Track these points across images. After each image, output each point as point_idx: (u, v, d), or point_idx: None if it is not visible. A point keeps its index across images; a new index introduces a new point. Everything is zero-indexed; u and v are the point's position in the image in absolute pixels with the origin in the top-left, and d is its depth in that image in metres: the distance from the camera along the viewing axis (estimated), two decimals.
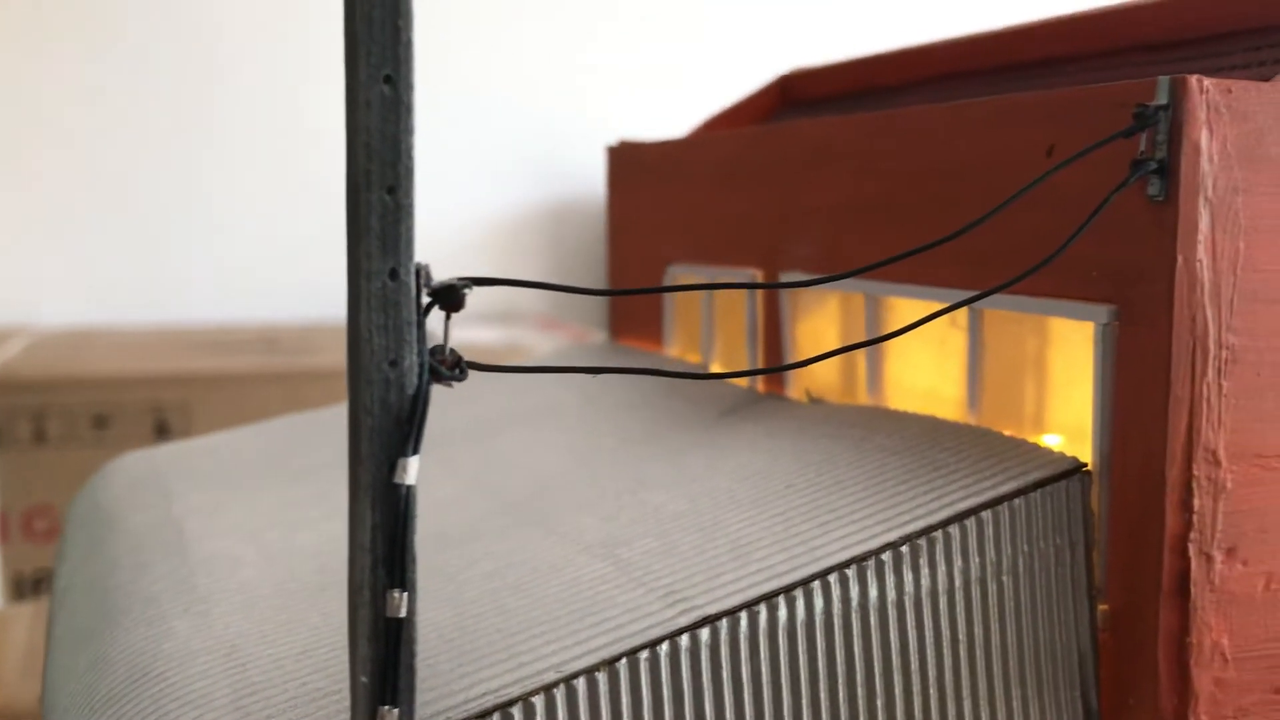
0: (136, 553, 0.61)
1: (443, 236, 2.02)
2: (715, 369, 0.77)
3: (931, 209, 0.58)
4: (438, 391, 0.68)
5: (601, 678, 0.41)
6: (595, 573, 0.47)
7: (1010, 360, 0.57)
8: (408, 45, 0.34)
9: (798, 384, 0.69)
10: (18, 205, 1.91)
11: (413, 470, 0.35)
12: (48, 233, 1.94)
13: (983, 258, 0.54)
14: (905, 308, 0.61)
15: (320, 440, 0.76)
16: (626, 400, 0.73)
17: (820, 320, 0.69)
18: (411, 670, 0.37)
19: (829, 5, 2.10)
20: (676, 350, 0.82)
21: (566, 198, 2.07)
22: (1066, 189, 0.49)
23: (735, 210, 0.73)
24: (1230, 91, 0.45)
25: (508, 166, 2.05)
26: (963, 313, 0.57)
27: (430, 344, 0.36)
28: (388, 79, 0.34)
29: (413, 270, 0.35)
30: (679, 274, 0.80)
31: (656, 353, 0.83)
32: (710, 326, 0.77)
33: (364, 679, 0.36)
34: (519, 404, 0.74)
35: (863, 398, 0.65)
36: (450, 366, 0.36)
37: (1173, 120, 0.45)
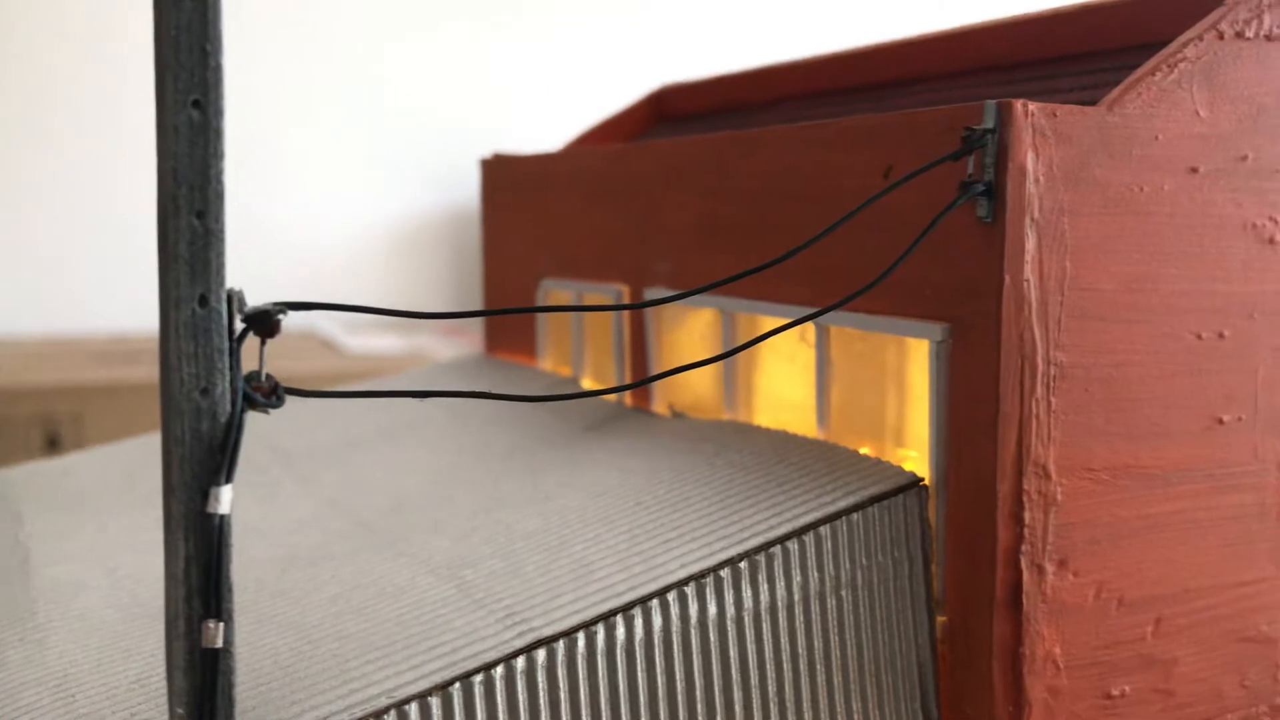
0: None
1: (345, 242, 2.01)
2: (586, 383, 0.77)
3: (781, 227, 0.58)
4: (303, 409, 0.66)
5: (435, 702, 0.41)
6: (438, 595, 0.47)
7: (872, 374, 0.58)
8: (217, 69, 0.34)
9: (663, 398, 0.70)
10: None
11: (226, 499, 0.35)
12: None
13: (829, 276, 0.55)
14: (768, 324, 0.62)
15: None
16: (494, 415, 0.72)
17: (685, 335, 0.69)
18: (230, 701, 0.36)
19: (711, 19, 2.12)
20: (549, 364, 0.82)
21: (471, 202, 2.07)
22: (906, 210, 0.50)
23: (602, 226, 0.74)
24: (1056, 115, 0.47)
25: (410, 173, 2.05)
26: (811, 329, 0.58)
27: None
28: (196, 104, 0.34)
29: (224, 296, 0.35)
30: (550, 289, 0.80)
31: (529, 366, 0.83)
32: (580, 341, 0.78)
33: (180, 711, 0.36)
34: (386, 420, 0.74)
35: (725, 412, 0.65)
36: (266, 393, 0.36)
37: (999, 143, 0.46)
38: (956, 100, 0.64)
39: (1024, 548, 0.47)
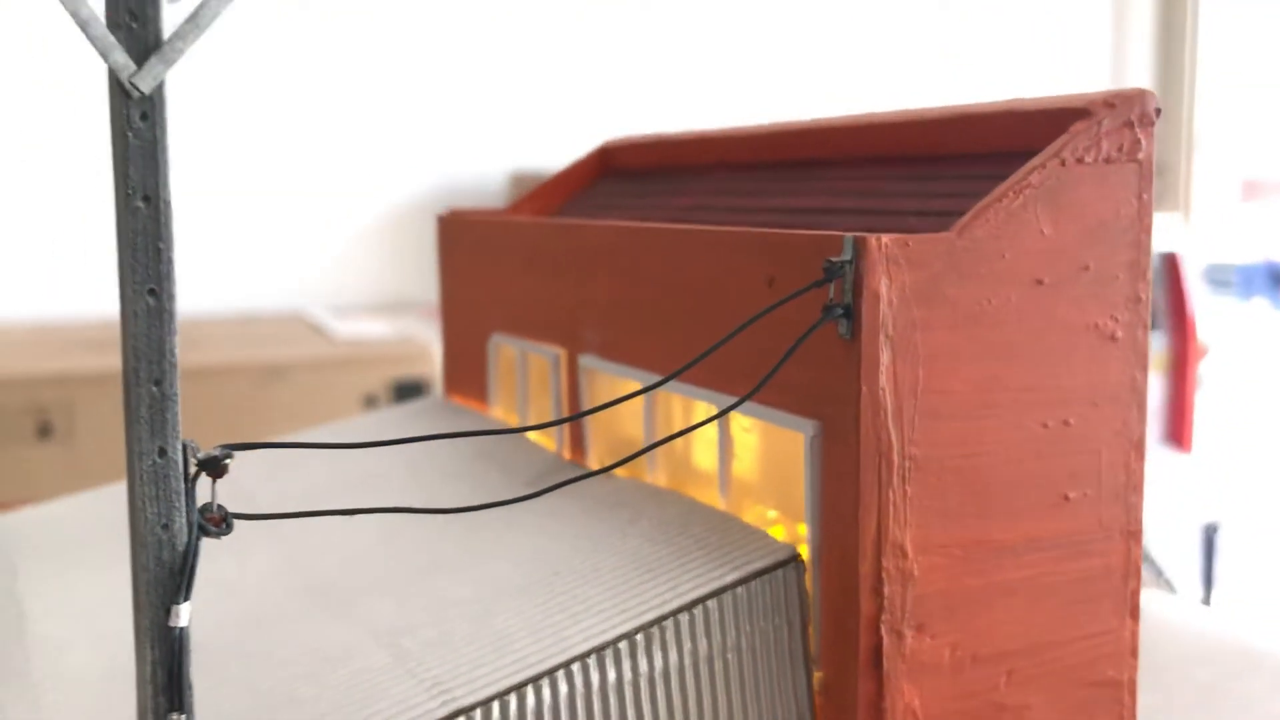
0: None
1: (337, 229, 2.10)
2: (530, 434, 0.84)
3: (685, 315, 0.65)
4: (271, 455, 0.73)
5: None
6: (377, 662, 0.55)
7: (785, 449, 0.64)
8: (169, 263, 0.41)
9: (596, 454, 0.77)
10: None
11: (185, 614, 0.42)
12: None
13: (727, 365, 0.62)
14: (681, 401, 0.69)
15: None
16: (446, 468, 0.80)
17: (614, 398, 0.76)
18: None
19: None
20: (499, 410, 0.89)
21: (461, 184, 2.16)
22: (789, 317, 0.57)
23: (541, 292, 0.81)
24: (908, 245, 0.54)
25: (400, 161, 2.14)
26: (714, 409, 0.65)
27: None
28: (152, 292, 0.41)
29: (179, 447, 0.42)
30: (499, 343, 0.87)
31: (479, 412, 0.90)
32: (525, 393, 0.85)
33: None
34: (347, 472, 0.81)
35: (647, 474, 0.72)
36: (217, 523, 0.43)
37: (856, 273, 0.53)
38: (858, 190, 0.71)
39: (884, 617, 0.55)
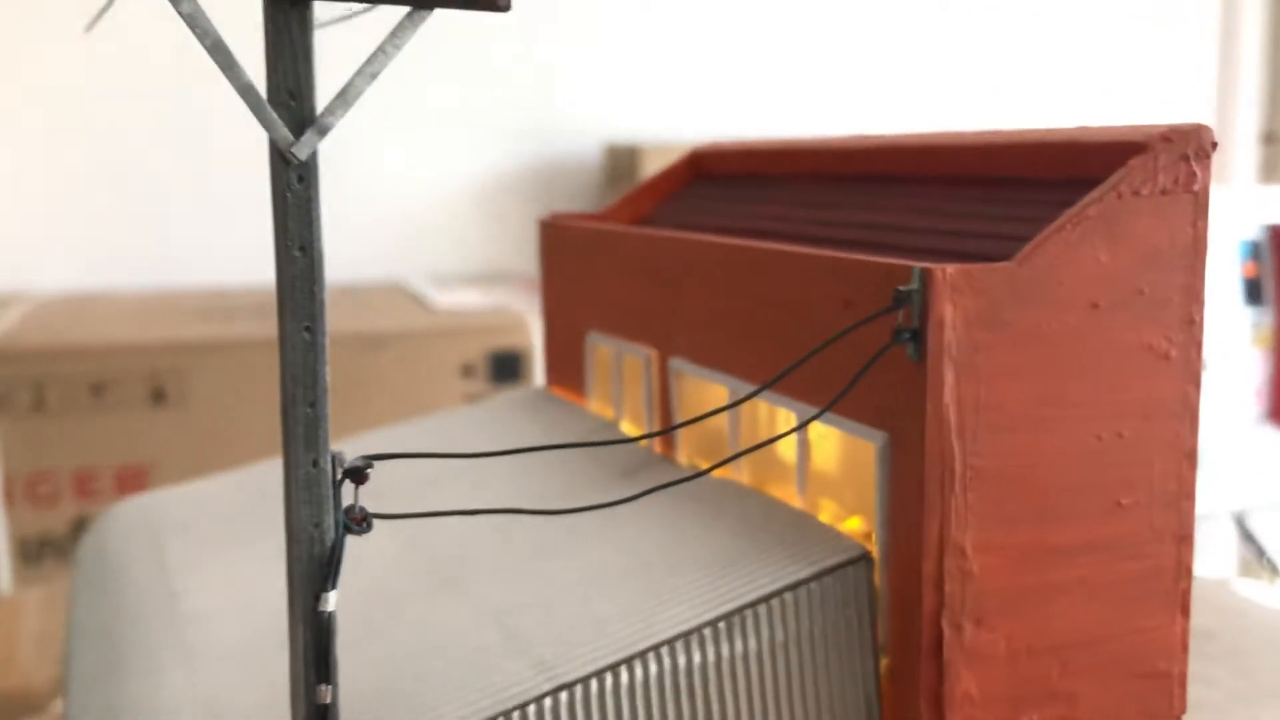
0: (136, 604, 0.75)
1: (432, 198, 2.17)
2: (624, 425, 0.91)
3: (768, 327, 0.71)
4: (387, 442, 0.81)
5: None
6: (489, 640, 0.62)
7: (859, 456, 0.70)
8: (321, 304, 0.48)
9: (685, 451, 0.83)
10: (12, 171, 2.01)
11: (332, 600, 0.49)
12: (43, 199, 2.03)
13: (808, 379, 0.68)
14: (763, 408, 0.75)
15: None
16: (549, 458, 0.86)
17: (703, 401, 0.83)
18: None
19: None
20: (596, 404, 0.96)
21: (553, 156, 2.22)
22: (865, 336, 0.62)
23: (635, 297, 0.87)
24: (971, 275, 0.59)
25: (492, 128, 2.20)
26: (794, 416, 0.71)
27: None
28: (307, 329, 0.48)
29: (329, 458, 0.49)
30: (596, 342, 0.94)
31: (578, 405, 0.97)
32: (620, 389, 0.91)
33: None
34: (455, 460, 0.88)
35: (731, 471, 0.78)
36: (359, 521, 0.50)
37: (923, 301, 0.58)
38: (932, 209, 0.76)
39: (945, 611, 0.60)
